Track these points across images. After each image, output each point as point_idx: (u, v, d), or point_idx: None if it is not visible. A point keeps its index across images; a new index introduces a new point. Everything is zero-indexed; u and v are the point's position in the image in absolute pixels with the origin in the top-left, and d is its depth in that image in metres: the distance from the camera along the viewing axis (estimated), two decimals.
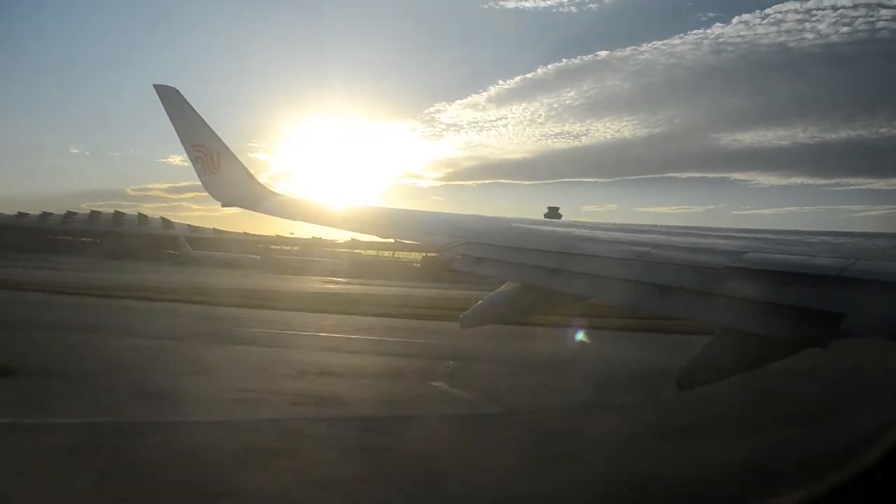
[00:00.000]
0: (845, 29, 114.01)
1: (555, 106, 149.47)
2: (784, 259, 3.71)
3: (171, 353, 15.52)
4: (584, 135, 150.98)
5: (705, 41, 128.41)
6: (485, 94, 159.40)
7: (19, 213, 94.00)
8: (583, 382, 13.94)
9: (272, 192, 9.46)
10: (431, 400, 12.59)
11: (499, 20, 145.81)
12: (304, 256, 79.23)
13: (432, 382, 13.80)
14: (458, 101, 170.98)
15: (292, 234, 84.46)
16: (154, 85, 9.44)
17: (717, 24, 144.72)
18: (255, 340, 18.79)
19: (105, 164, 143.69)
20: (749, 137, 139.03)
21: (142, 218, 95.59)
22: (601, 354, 17.69)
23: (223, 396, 11.24)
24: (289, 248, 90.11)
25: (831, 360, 7.31)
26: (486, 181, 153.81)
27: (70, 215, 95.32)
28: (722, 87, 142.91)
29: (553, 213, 79.45)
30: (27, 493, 6.55)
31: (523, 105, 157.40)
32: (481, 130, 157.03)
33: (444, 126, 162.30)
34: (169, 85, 9.48)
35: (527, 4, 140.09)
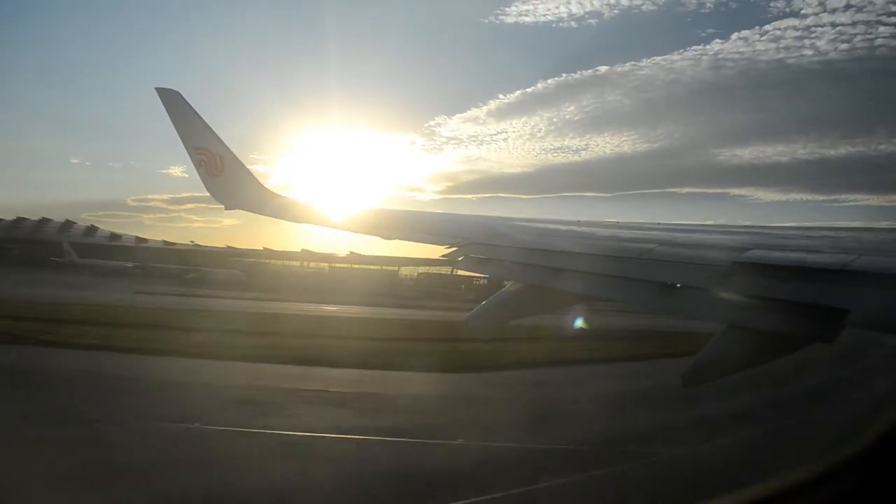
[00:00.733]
0: (844, 46, 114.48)
1: (555, 120, 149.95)
2: (787, 256, 3.73)
3: None
4: (584, 149, 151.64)
5: (704, 57, 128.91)
6: (485, 107, 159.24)
7: None
8: None
9: (276, 194, 9.45)
10: None
11: (499, 35, 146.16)
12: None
13: None
14: (459, 115, 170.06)
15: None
16: (156, 88, 9.44)
17: (717, 39, 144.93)
18: None
19: (105, 175, 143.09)
20: (748, 153, 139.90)
21: (66, 225, 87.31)
22: None
23: None
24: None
25: None
26: (486, 195, 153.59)
27: None
28: (721, 102, 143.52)
29: None
30: None
31: (523, 119, 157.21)
32: (481, 144, 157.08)
33: (444, 139, 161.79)
34: (171, 88, 9.53)
35: (527, 19, 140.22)
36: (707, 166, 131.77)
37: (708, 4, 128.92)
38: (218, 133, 9.40)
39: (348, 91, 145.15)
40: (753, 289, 3.50)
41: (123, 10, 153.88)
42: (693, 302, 3.82)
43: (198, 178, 9.29)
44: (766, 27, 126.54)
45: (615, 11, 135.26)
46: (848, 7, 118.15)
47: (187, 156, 9.26)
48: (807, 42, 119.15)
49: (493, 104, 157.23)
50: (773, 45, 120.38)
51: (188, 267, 69.09)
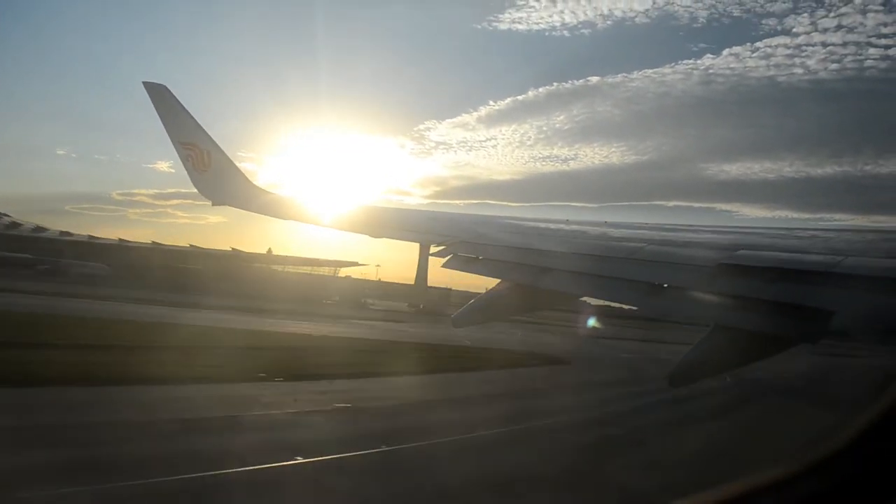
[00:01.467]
0: (834, 66, 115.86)
1: (544, 129, 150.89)
2: (774, 256, 3.71)
3: None
4: (573, 159, 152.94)
5: (695, 72, 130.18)
6: (475, 113, 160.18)
7: None
8: None
9: (264, 191, 9.37)
10: None
11: (492, 41, 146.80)
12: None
13: None
14: (449, 120, 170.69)
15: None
16: (143, 82, 9.33)
17: (708, 55, 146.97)
18: None
19: (91, 167, 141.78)
20: (735, 169, 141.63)
21: None
22: None
23: None
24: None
25: None
26: (474, 201, 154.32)
27: None
28: (710, 117, 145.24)
29: None
30: None
31: (513, 127, 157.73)
32: (470, 150, 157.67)
33: (433, 144, 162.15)
34: (158, 82, 9.42)
35: (520, 27, 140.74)
36: (695, 180, 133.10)
37: (700, 19, 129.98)
38: (207, 128, 9.30)
39: (339, 92, 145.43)
40: (740, 289, 3.48)
41: (116, 3, 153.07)
42: (680, 302, 3.80)
43: (184, 173, 9.18)
44: (758, 44, 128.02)
45: (608, 22, 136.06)
46: (839, 28, 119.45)
47: (174, 151, 9.15)
48: (797, 60, 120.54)
49: (483, 110, 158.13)
50: (763, 63, 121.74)
51: (41, 258, 63.90)
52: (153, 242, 79.23)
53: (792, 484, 1.77)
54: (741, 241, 4.23)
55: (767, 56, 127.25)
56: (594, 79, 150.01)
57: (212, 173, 9.14)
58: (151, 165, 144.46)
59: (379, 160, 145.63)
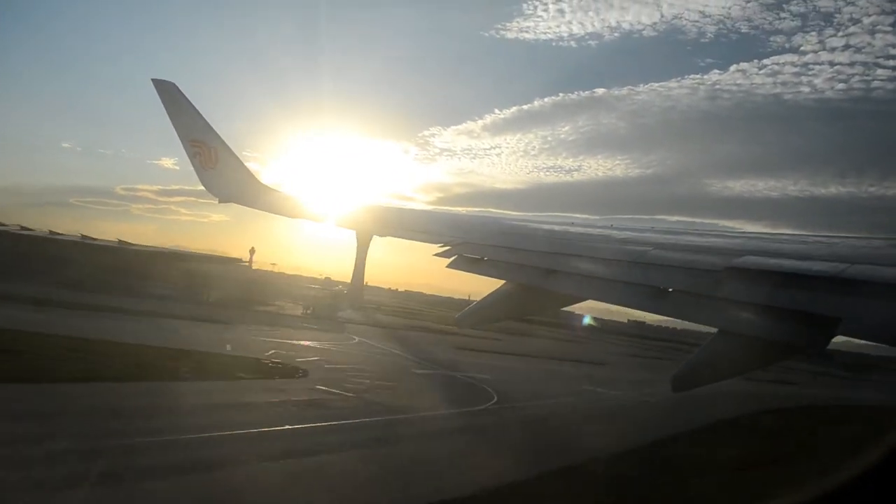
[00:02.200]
0: (841, 85, 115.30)
1: (549, 139, 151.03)
2: (780, 262, 3.69)
3: None
4: (577, 170, 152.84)
5: (702, 87, 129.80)
6: (480, 121, 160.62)
7: None
8: None
9: (271, 189, 9.39)
10: None
11: (499, 49, 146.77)
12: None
13: None
14: (454, 127, 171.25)
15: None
16: (152, 79, 9.38)
17: (715, 70, 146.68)
18: None
19: (96, 161, 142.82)
20: (739, 185, 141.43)
21: None
22: None
23: None
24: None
25: None
26: (476, 209, 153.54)
27: None
28: (716, 133, 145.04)
29: None
30: None
31: (518, 136, 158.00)
32: (474, 158, 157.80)
33: (437, 150, 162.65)
34: (167, 80, 9.46)
35: (528, 36, 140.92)
36: (698, 196, 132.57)
37: (708, 34, 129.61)
38: (212, 126, 9.34)
39: (345, 96, 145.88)
40: (746, 295, 3.46)
41: (126, 0, 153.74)
42: (685, 306, 3.78)
43: (189, 170, 9.25)
44: (765, 61, 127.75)
45: (615, 34, 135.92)
46: (847, 47, 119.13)
47: (179, 147, 9.22)
48: (804, 79, 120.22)
49: (488, 118, 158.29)
50: (770, 80, 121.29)
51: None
52: (119, 240, 58.86)
53: None
54: (747, 247, 4.20)
55: (774, 73, 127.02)
56: (600, 90, 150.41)
57: (219, 171, 9.17)
58: (156, 161, 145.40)
59: (383, 164, 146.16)
